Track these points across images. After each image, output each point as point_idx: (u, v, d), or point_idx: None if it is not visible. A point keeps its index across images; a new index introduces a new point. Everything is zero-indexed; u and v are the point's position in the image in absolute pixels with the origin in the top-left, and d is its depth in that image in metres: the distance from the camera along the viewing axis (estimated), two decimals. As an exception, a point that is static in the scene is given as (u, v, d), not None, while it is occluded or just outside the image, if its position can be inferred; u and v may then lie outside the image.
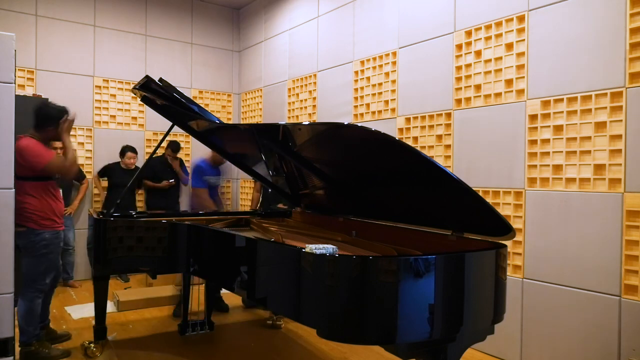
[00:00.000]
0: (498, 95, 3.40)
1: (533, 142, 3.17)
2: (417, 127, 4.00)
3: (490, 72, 3.46)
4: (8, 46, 2.69)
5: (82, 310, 4.30)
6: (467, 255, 1.92)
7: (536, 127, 3.16)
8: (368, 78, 4.51)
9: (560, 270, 3.03)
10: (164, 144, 5.40)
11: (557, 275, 3.05)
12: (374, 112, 4.44)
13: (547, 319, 3.10)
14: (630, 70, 2.71)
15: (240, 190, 6.67)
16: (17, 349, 2.98)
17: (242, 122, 6.67)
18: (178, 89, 3.28)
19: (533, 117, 3.18)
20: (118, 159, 5.53)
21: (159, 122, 5.86)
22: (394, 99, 4.22)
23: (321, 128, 2.48)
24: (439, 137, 3.82)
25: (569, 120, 2.99)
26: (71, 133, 5.43)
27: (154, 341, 3.61)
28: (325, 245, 1.99)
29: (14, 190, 2.71)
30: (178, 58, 6.31)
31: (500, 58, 3.39)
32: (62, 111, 3.23)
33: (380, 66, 4.37)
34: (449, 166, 3.71)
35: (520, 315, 3.25)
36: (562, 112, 3.02)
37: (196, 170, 4.44)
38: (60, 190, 3.34)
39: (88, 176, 5.56)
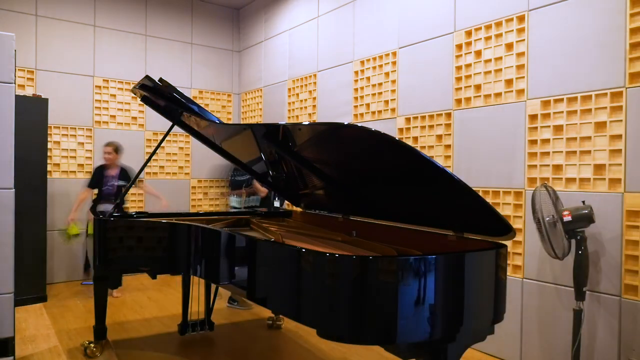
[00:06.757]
0: (498, 95, 3.41)
1: (533, 142, 3.17)
2: (417, 127, 4.00)
3: (490, 72, 3.46)
4: (8, 46, 2.69)
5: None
6: (467, 255, 1.91)
7: (536, 127, 3.16)
8: (368, 78, 4.51)
9: (560, 270, 3.03)
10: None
11: (557, 275, 3.05)
12: (374, 112, 4.44)
13: (547, 319, 3.10)
14: (630, 70, 2.71)
15: (240, 190, 6.67)
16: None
17: (242, 122, 6.67)
18: (178, 89, 3.28)
19: (533, 117, 3.18)
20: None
21: (159, 122, 5.87)
22: (394, 99, 4.22)
23: (321, 128, 2.48)
24: (439, 137, 3.82)
25: (569, 120, 2.99)
26: (71, 133, 5.50)
27: (154, 341, 3.62)
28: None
29: (13, 190, 2.72)
30: (178, 58, 6.31)
31: (500, 58, 3.39)
32: None
33: (380, 66, 4.37)
34: (449, 166, 3.71)
35: (520, 315, 3.25)
36: (562, 112, 3.02)
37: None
38: None
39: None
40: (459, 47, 3.67)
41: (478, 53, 3.54)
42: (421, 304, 1.80)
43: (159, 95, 3.27)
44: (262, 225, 3.19)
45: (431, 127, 3.88)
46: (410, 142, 4.02)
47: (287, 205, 4.99)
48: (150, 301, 4.71)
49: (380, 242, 2.54)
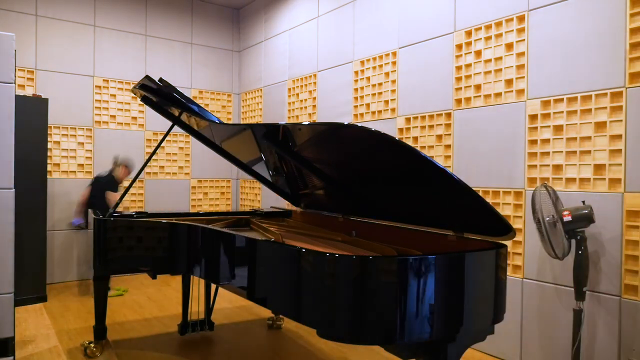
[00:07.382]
0: (498, 95, 3.41)
1: (533, 142, 3.17)
2: (417, 127, 4.00)
3: (490, 72, 3.46)
4: (8, 46, 2.69)
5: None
6: (467, 255, 1.91)
7: (536, 127, 3.16)
8: (368, 78, 4.51)
9: (560, 270, 3.03)
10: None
11: (557, 275, 3.05)
12: (374, 112, 4.44)
13: (547, 319, 3.10)
14: (630, 70, 2.71)
15: (241, 190, 6.67)
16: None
17: (242, 122, 6.67)
18: (178, 89, 3.28)
19: (533, 117, 3.18)
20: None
21: (159, 122, 5.87)
22: (394, 99, 4.22)
23: (321, 128, 2.48)
24: (439, 137, 3.82)
25: (569, 120, 2.99)
26: (71, 133, 5.50)
27: (154, 341, 3.62)
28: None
29: (13, 190, 2.72)
30: (178, 58, 6.31)
31: (500, 58, 3.39)
32: None
33: (380, 66, 4.37)
34: (449, 166, 3.71)
35: (520, 315, 3.25)
36: (562, 112, 3.02)
37: None
38: None
39: (88, 177, 5.57)
40: (459, 47, 3.67)
41: (478, 53, 3.54)
42: (421, 304, 1.80)
43: (159, 95, 3.27)
44: (262, 225, 3.19)
45: (431, 127, 3.88)
46: (410, 142, 4.02)
47: (287, 205, 4.99)
48: (150, 301, 4.71)
49: (380, 242, 2.54)
